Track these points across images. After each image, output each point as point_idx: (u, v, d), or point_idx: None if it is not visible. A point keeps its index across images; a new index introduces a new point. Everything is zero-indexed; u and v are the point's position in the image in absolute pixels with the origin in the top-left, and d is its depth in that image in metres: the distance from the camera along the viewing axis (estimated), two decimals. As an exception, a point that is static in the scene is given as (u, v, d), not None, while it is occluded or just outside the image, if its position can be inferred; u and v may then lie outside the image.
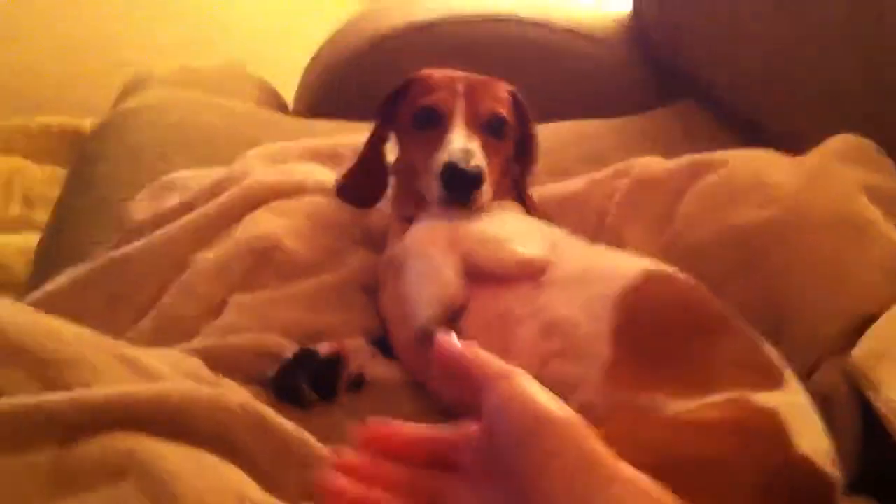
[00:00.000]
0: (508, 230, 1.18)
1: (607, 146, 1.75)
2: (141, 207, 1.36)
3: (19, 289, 2.32)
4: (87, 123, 3.05)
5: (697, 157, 1.41)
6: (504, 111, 1.26)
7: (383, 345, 1.20)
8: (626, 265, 1.12)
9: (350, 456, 0.64)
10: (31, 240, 2.47)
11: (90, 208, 1.51)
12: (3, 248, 2.47)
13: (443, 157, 1.16)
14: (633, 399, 0.96)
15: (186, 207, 1.32)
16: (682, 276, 1.11)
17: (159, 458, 0.78)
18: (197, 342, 1.12)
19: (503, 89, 1.31)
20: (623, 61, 2.05)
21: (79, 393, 0.82)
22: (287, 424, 0.88)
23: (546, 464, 0.55)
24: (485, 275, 1.14)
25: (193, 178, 1.43)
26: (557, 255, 1.16)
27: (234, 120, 1.78)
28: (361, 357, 1.14)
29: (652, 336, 1.03)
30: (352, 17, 2.19)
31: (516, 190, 1.37)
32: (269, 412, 0.88)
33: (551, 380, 0.96)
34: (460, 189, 1.16)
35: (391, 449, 0.66)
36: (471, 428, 0.62)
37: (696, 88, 1.94)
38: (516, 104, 1.33)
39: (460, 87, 1.25)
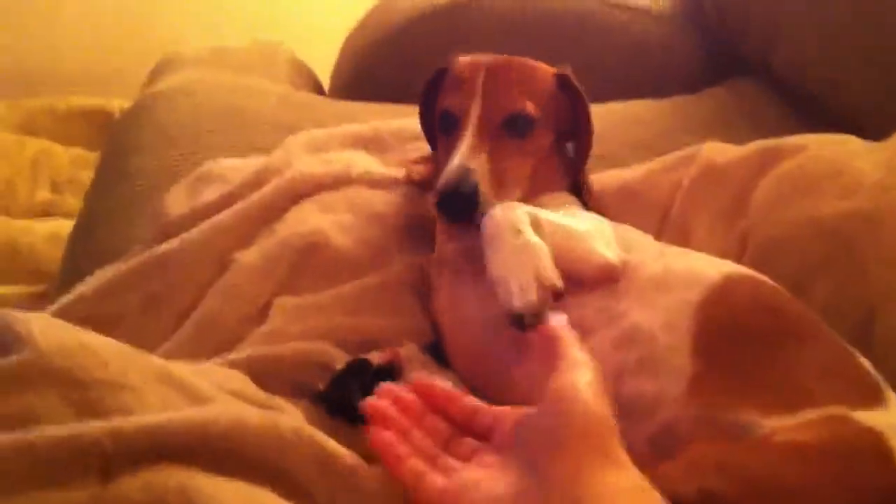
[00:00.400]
0: (588, 227, 1.07)
1: (660, 130, 1.67)
2: (177, 201, 1.28)
3: (47, 277, 2.29)
4: (116, 104, 3.00)
5: (769, 143, 1.32)
6: (527, 105, 1.13)
7: (436, 351, 1.12)
8: (706, 268, 1.02)
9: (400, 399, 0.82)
10: (60, 226, 2.44)
11: (123, 201, 1.44)
12: (30, 234, 2.41)
13: (441, 178, 1.07)
14: (720, 416, 0.88)
15: (226, 201, 1.24)
16: (764, 278, 1.01)
17: (213, 497, 0.70)
18: (241, 352, 1.04)
19: (540, 74, 1.19)
20: (676, 36, 1.95)
21: (119, 421, 0.74)
22: (347, 456, 0.80)
23: (565, 445, 0.67)
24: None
25: (232, 168, 1.35)
26: (632, 255, 1.06)
27: (269, 103, 1.69)
28: (416, 366, 1.06)
29: (736, 346, 0.94)
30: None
31: (569, 178, 1.24)
32: (326, 440, 0.80)
33: (629, 397, 0.91)
34: (456, 213, 1.07)
35: (437, 404, 0.83)
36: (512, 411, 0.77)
37: (754, 66, 1.83)
38: (564, 87, 1.20)
39: (480, 82, 1.13)
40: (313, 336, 1.07)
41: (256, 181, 1.27)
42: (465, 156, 1.07)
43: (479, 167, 1.07)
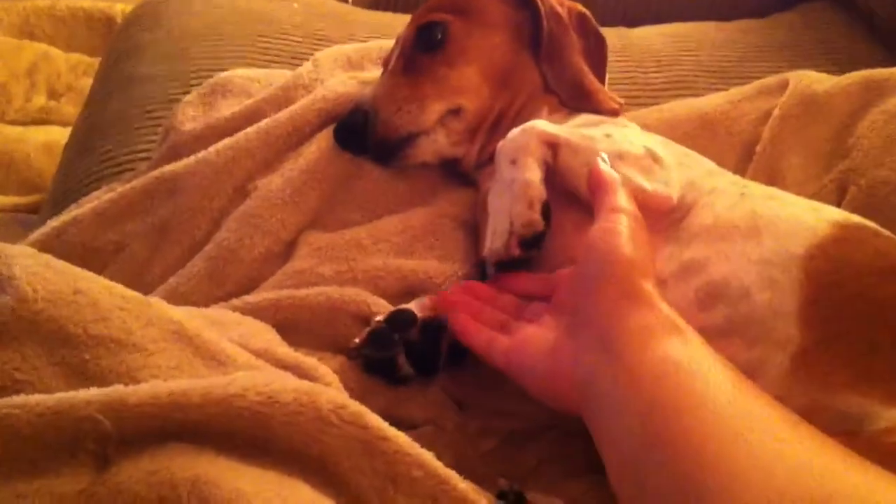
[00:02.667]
0: (624, 148, 0.92)
1: (730, 55, 1.50)
2: (190, 114, 1.10)
3: (41, 188, 2.15)
4: (119, 8, 2.82)
5: (871, 74, 1.15)
6: (436, 15, 1.07)
7: None
8: (809, 214, 0.85)
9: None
10: (56, 134, 2.31)
11: (127, 112, 1.27)
12: (25, 142, 2.28)
13: None
14: (831, 401, 0.73)
15: (246, 118, 1.07)
16: (884, 231, 0.85)
17: (235, 493, 0.55)
18: (265, 294, 0.88)
19: None
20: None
21: (120, 391, 0.59)
22: (396, 437, 0.65)
23: (603, 288, 0.70)
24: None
25: (253, 80, 1.17)
26: (698, 188, 0.90)
27: (291, 10, 1.51)
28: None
29: (855, 314, 0.77)
30: None
31: (568, 92, 1.09)
32: (373, 420, 0.65)
33: None
34: (349, 144, 1.04)
35: (505, 284, 0.89)
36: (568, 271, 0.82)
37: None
38: None
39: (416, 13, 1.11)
40: (347, 279, 0.92)
41: (283, 98, 1.10)
42: (369, 92, 1.05)
43: (388, 98, 1.03)
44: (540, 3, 1.08)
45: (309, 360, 0.75)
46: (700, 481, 0.54)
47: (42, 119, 2.52)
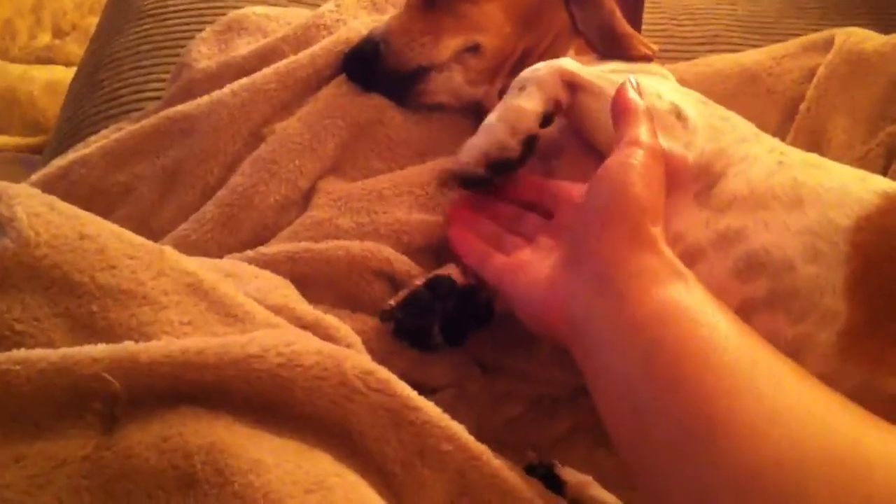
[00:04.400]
0: (658, 96, 0.86)
1: (768, 10, 1.43)
2: (204, 52, 1.04)
3: (44, 129, 2.10)
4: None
5: (921, 34, 1.09)
6: None
7: None
8: (856, 184, 0.80)
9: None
10: (61, 73, 2.26)
11: (136, 47, 1.21)
12: (29, 81, 2.22)
13: None
14: (883, 384, 0.69)
15: (263, 57, 1.01)
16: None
17: (253, 463, 0.50)
18: (281, 246, 0.83)
19: None
20: None
21: (129, 347, 0.54)
22: (426, 407, 0.60)
23: (608, 226, 0.67)
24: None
25: (271, 18, 1.11)
26: (730, 155, 0.84)
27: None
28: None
29: None
30: None
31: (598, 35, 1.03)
32: (402, 388, 0.60)
33: (763, 337, 0.70)
34: (358, 75, 0.98)
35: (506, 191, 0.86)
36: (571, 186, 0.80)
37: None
38: None
39: None
40: (368, 232, 0.86)
41: (303, 38, 1.03)
42: (382, 23, 1.00)
43: (402, 28, 0.98)
44: None
45: (329, 319, 0.70)
46: (710, 430, 0.53)
47: (46, 58, 2.46)
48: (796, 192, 0.79)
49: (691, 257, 0.78)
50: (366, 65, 0.97)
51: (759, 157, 0.84)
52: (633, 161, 0.70)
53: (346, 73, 0.98)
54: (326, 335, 0.68)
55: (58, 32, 2.56)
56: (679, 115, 0.85)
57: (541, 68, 0.85)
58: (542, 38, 1.02)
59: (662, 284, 0.63)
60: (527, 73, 0.86)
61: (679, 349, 0.57)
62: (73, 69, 2.21)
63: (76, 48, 2.44)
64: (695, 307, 0.61)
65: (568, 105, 0.84)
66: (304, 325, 0.68)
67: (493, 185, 0.84)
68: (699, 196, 0.82)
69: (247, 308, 0.62)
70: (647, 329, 0.60)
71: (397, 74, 0.97)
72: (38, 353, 0.52)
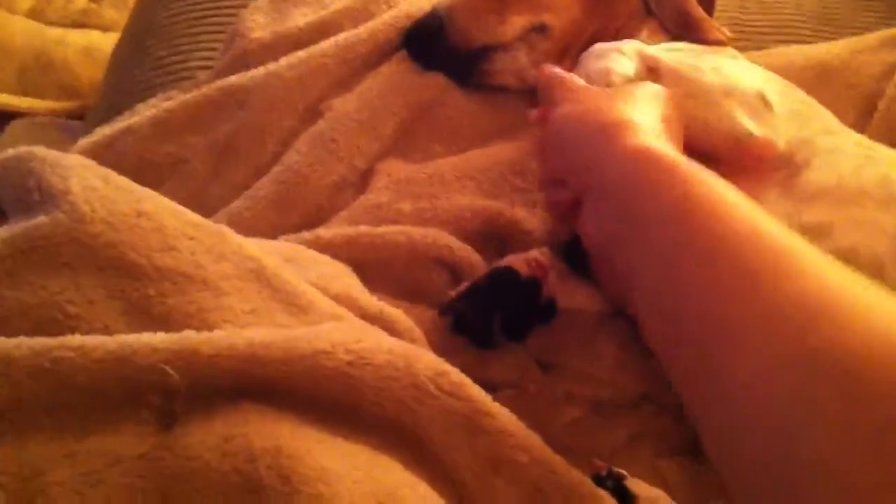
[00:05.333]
0: (733, 84, 0.81)
1: (838, 2, 1.37)
2: (259, 21, 1.00)
3: (78, 93, 2.06)
4: None
5: None
6: None
7: (571, 252, 0.86)
8: None
9: None
10: (97, 39, 2.22)
11: (184, 15, 1.16)
12: (64, 46, 2.19)
13: None
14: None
15: (320, 30, 0.97)
16: None
17: (320, 471, 0.46)
18: (339, 229, 0.79)
19: None
20: None
21: (191, 336, 0.50)
22: (501, 414, 0.56)
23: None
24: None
25: (328, -11, 1.06)
26: (815, 145, 0.80)
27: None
28: (552, 275, 0.81)
29: None
30: None
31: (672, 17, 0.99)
32: (477, 393, 0.56)
33: None
34: (420, 51, 0.94)
35: None
36: None
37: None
38: None
39: None
40: (430, 218, 0.83)
41: (363, 11, 1.00)
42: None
43: (467, 4, 0.93)
44: None
45: (393, 311, 0.66)
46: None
47: (82, 22, 2.42)
48: (888, 189, 0.76)
49: None
50: (428, 41, 0.93)
51: (845, 149, 0.81)
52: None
53: (408, 49, 0.94)
54: (390, 328, 0.64)
55: (94, -6, 2.52)
56: (764, 99, 0.81)
57: (622, 46, 0.80)
58: (614, 19, 0.98)
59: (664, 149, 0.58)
60: (604, 46, 0.81)
61: (709, 208, 0.52)
62: (110, 34, 2.19)
63: (113, 13, 2.40)
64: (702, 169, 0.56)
65: None
66: (367, 316, 0.64)
67: None
68: (783, 184, 0.78)
69: (311, 297, 0.58)
70: (674, 187, 0.54)
71: (460, 52, 0.93)
72: (93, 339, 0.48)
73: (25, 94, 2.12)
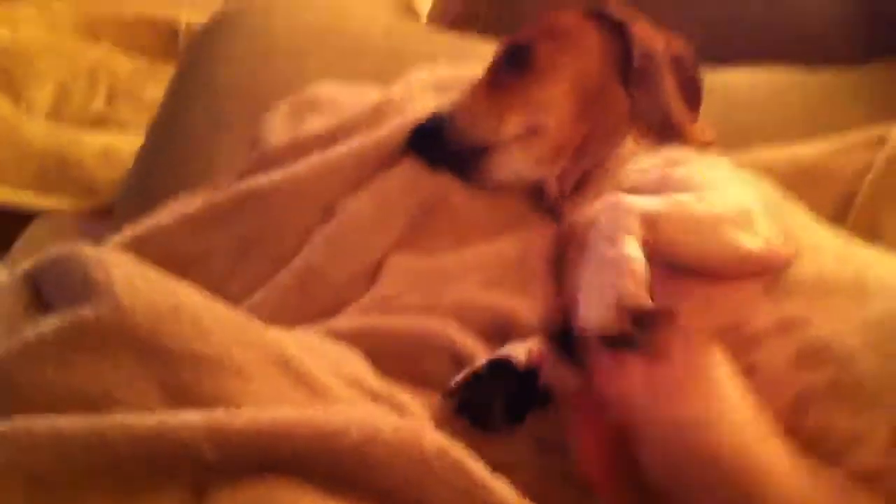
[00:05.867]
0: (720, 207, 0.86)
1: (819, 104, 1.44)
2: (277, 129, 1.08)
3: (93, 194, 2.13)
4: (184, 17, 2.81)
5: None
6: (521, 37, 1.07)
7: (565, 342, 0.91)
8: None
9: None
10: (113, 141, 2.28)
11: (207, 118, 1.25)
12: (82, 146, 2.24)
13: None
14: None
15: (335, 136, 1.05)
16: None
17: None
18: (350, 321, 0.85)
19: (563, 16, 1.11)
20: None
21: (221, 416, 0.55)
22: (501, 490, 0.61)
23: None
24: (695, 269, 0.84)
25: (344, 96, 1.15)
26: (797, 242, 0.85)
27: (378, 29, 1.48)
28: (548, 363, 0.86)
29: None
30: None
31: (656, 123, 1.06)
32: (476, 468, 0.61)
33: (815, 428, 0.74)
34: (424, 150, 1.02)
35: None
36: None
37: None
38: (607, 25, 1.09)
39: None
40: (435, 309, 0.88)
41: (374, 117, 1.07)
42: (448, 102, 1.04)
43: (467, 107, 1.02)
44: (633, 34, 1.07)
45: (401, 395, 0.72)
46: None
47: (100, 122, 2.50)
48: (861, 282, 0.80)
49: (754, 342, 0.79)
50: (431, 140, 1.01)
51: (825, 246, 0.86)
52: None
53: (412, 147, 1.02)
54: (398, 409, 0.70)
55: (112, 98, 2.60)
56: (750, 212, 0.86)
57: (618, 213, 0.83)
58: (603, 122, 1.05)
59: None
60: (607, 221, 0.83)
61: None
62: (126, 136, 2.27)
63: (129, 114, 2.48)
64: None
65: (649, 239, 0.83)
66: (377, 398, 0.69)
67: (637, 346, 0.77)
68: (767, 283, 0.83)
69: (328, 383, 0.64)
70: None
71: (461, 150, 1.00)
72: (135, 417, 0.54)
73: (44, 193, 2.19)
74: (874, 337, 0.76)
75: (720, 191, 0.89)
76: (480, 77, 1.07)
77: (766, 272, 0.83)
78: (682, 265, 0.84)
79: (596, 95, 1.05)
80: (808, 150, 1.17)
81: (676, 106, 1.06)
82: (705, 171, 0.95)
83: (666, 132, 1.04)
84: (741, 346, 0.79)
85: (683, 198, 0.86)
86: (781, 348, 0.78)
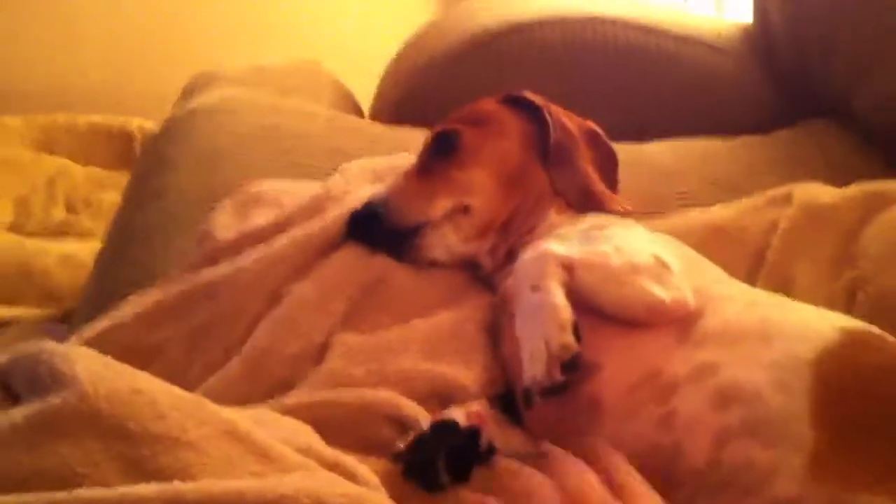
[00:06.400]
0: (637, 259, 0.95)
1: (736, 170, 1.55)
2: (224, 224, 1.16)
3: (57, 300, 2.17)
4: (135, 124, 2.89)
5: (870, 186, 1.22)
6: (448, 125, 1.19)
7: (508, 403, 0.99)
8: (817, 320, 0.90)
9: None
10: (74, 248, 2.34)
11: (158, 221, 1.32)
12: (43, 255, 2.30)
13: None
14: (853, 502, 0.75)
15: (279, 227, 1.13)
16: (887, 336, 0.89)
17: None
18: (300, 396, 0.92)
19: (482, 103, 1.24)
20: (744, 73, 1.81)
21: (175, 487, 0.61)
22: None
23: None
24: (612, 318, 0.93)
25: (285, 192, 1.23)
26: (707, 295, 0.94)
27: (318, 125, 1.58)
28: (490, 423, 0.93)
29: (864, 416, 0.81)
30: (436, 17, 1.98)
31: (578, 197, 1.17)
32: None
33: (733, 464, 0.80)
34: (361, 235, 1.10)
35: None
36: None
37: (831, 105, 1.71)
38: (525, 110, 1.22)
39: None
40: (379, 381, 0.95)
41: (314, 208, 1.15)
42: (382, 189, 1.13)
43: (400, 192, 1.11)
44: (548, 116, 1.18)
45: (349, 459, 0.78)
46: None
47: (61, 232, 2.54)
48: (765, 327, 0.89)
49: (670, 389, 0.87)
50: (367, 224, 1.09)
51: (732, 296, 0.95)
52: None
53: (350, 234, 1.10)
54: (347, 474, 0.75)
55: (71, 207, 2.65)
56: (663, 263, 0.95)
57: (538, 261, 0.94)
58: (526, 198, 1.15)
59: None
60: (528, 269, 0.94)
61: None
62: (87, 242, 2.32)
63: (89, 222, 2.53)
64: None
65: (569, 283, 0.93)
66: (327, 465, 0.75)
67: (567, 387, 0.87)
68: (679, 333, 0.91)
69: (278, 450, 0.70)
70: None
71: (396, 231, 1.09)
72: (96, 490, 0.59)
73: (8, 303, 2.23)
74: (780, 377, 0.83)
75: (637, 246, 0.98)
76: (412, 164, 1.16)
77: (676, 321, 0.91)
78: (599, 311, 0.92)
79: (518, 174, 1.15)
80: (722, 213, 1.26)
81: (594, 178, 1.16)
82: (625, 231, 1.04)
83: (586, 203, 1.15)
84: (660, 393, 0.87)
85: (602, 248, 0.95)
86: (697, 393, 0.86)
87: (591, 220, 1.10)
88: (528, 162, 1.17)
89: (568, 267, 0.93)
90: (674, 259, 0.97)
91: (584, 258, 0.94)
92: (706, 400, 0.85)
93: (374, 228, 1.09)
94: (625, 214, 1.14)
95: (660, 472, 0.75)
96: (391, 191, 1.11)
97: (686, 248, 1.03)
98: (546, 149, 1.17)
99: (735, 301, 0.94)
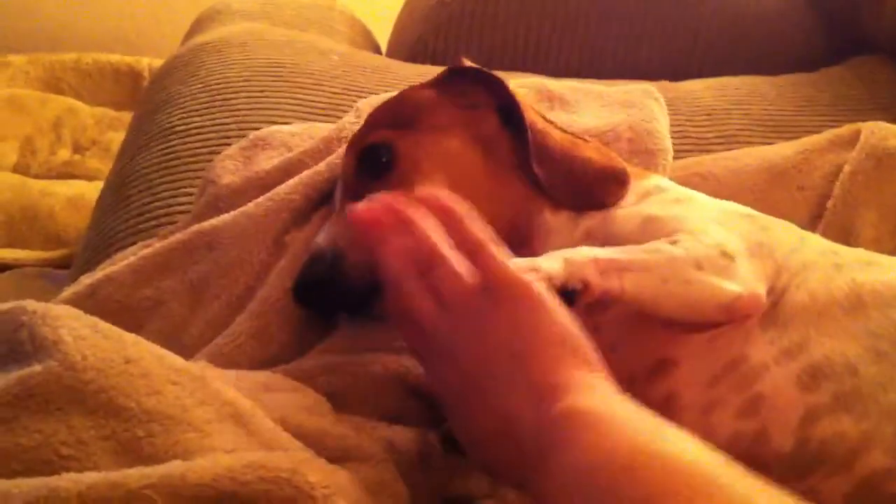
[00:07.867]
0: (694, 251, 0.80)
1: (782, 109, 1.45)
2: (229, 167, 1.06)
3: (65, 242, 2.12)
4: (145, 63, 2.81)
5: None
6: (376, 134, 0.91)
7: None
8: None
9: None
10: (81, 188, 2.29)
11: (162, 163, 1.23)
12: (50, 196, 2.25)
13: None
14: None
15: (286, 171, 1.03)
16: None
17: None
18: (312, 360, 0.83)
19: (408, 94, 0.97)
20: (790, 6, 1.73)
21: (174, 467, 0.53)
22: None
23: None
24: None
25: (295, 133, 1.14)
26: (788, 269, 0.83)
27: (332, 62, 1.48)
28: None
29: None
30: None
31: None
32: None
33: (823, 440, 0.73)
34: (319, 306, 0.90)
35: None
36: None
37: (880, 42, 1.61)
38: (460, 81, 0.96)
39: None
40: (404, 347, 0.85)
41: (324, 150, 1.05)
42: (322, 239, 0.87)
43: (346, 239, 0.85)
44: (510, 94, 0.93)
45: (356, 439, 0.71)
46: None
47: (67, 173, 2.49)
48: (856, 294, 0.79)
49: (756, 375, 0.78)
50: (324, 288, 0.86)
51: (815, 262, 0.84)
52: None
53: (302, 303, 0.90)
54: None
55: (78, 148, 2.60)
56: (726, 253, 0.82)
57: (569, 266, 0.76)
58: (506, 209, 0.91)
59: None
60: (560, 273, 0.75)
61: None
62: (94, 183, 2.26)
63: (96, 163, 2.48)
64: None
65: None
66: (338, 451, 0.68)
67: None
68: (763, 317, 0.81)
69: (282, 438, 0.63)
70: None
71: (355, 292, 0.85)
72: (86, 475, 0.52)
73: (12, 246, 2.18)
74: (873, 346, 0.76)
75: (696, 234, 0.83)
76: (339, 200, 0.94)
77: (751, 315, 0.81)
78: (661, 318, 0.81)
79: (478, 177, 0.91)
80: (782, 153, 1.16)
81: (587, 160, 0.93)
82: (677, 209, 0.90)
83: (574, 199, 0.92)
84: (743, 380, 0.78)
85: (652, 243, 0.82)
86: (784, 376, 0.77)
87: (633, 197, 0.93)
88: (488, 157, 0.92)
89: (615, 271, 0.77)
90: (740, 240, 0.84)
91: (634, 258, 0.79)
92: (794, 380, 0.76)
93: (328, 292, 0.85)
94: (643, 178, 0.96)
95: (742, 459, 0.66)
96: (336, 238, 0.86)
97: (754, 217, 0.91)
98: (511, 134, 0.93)
99: (818, 267, 0.83)
